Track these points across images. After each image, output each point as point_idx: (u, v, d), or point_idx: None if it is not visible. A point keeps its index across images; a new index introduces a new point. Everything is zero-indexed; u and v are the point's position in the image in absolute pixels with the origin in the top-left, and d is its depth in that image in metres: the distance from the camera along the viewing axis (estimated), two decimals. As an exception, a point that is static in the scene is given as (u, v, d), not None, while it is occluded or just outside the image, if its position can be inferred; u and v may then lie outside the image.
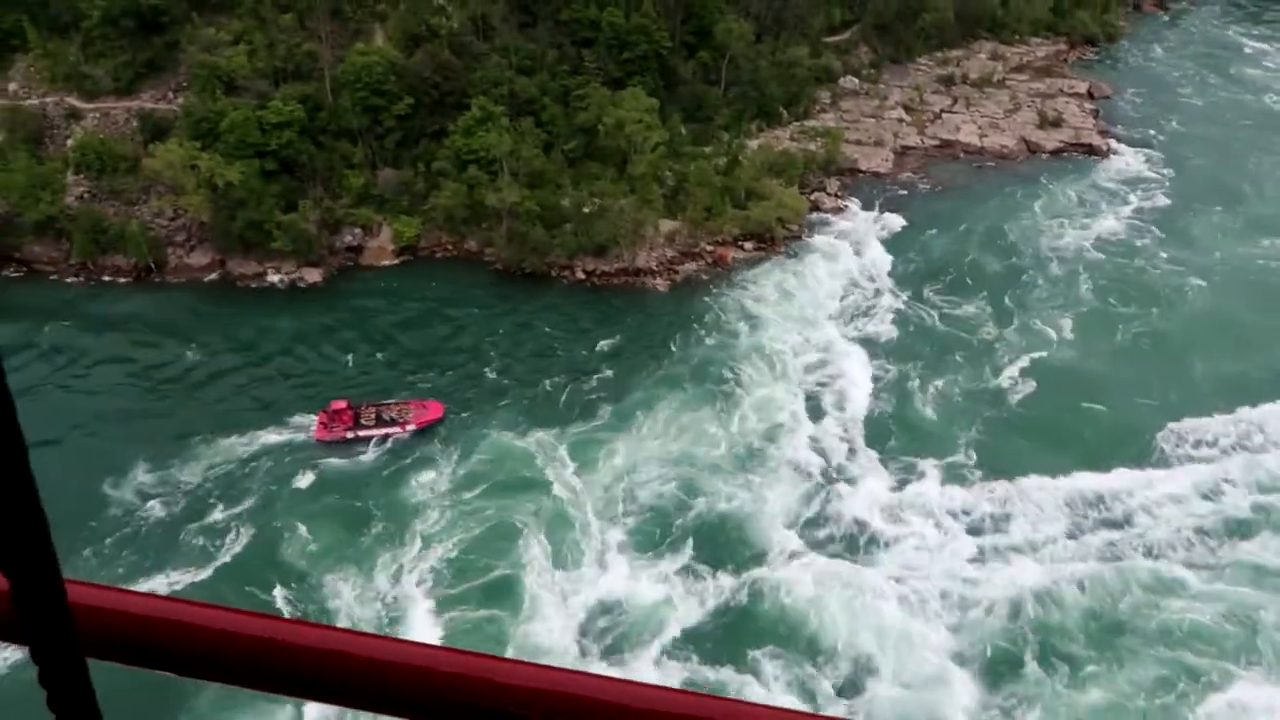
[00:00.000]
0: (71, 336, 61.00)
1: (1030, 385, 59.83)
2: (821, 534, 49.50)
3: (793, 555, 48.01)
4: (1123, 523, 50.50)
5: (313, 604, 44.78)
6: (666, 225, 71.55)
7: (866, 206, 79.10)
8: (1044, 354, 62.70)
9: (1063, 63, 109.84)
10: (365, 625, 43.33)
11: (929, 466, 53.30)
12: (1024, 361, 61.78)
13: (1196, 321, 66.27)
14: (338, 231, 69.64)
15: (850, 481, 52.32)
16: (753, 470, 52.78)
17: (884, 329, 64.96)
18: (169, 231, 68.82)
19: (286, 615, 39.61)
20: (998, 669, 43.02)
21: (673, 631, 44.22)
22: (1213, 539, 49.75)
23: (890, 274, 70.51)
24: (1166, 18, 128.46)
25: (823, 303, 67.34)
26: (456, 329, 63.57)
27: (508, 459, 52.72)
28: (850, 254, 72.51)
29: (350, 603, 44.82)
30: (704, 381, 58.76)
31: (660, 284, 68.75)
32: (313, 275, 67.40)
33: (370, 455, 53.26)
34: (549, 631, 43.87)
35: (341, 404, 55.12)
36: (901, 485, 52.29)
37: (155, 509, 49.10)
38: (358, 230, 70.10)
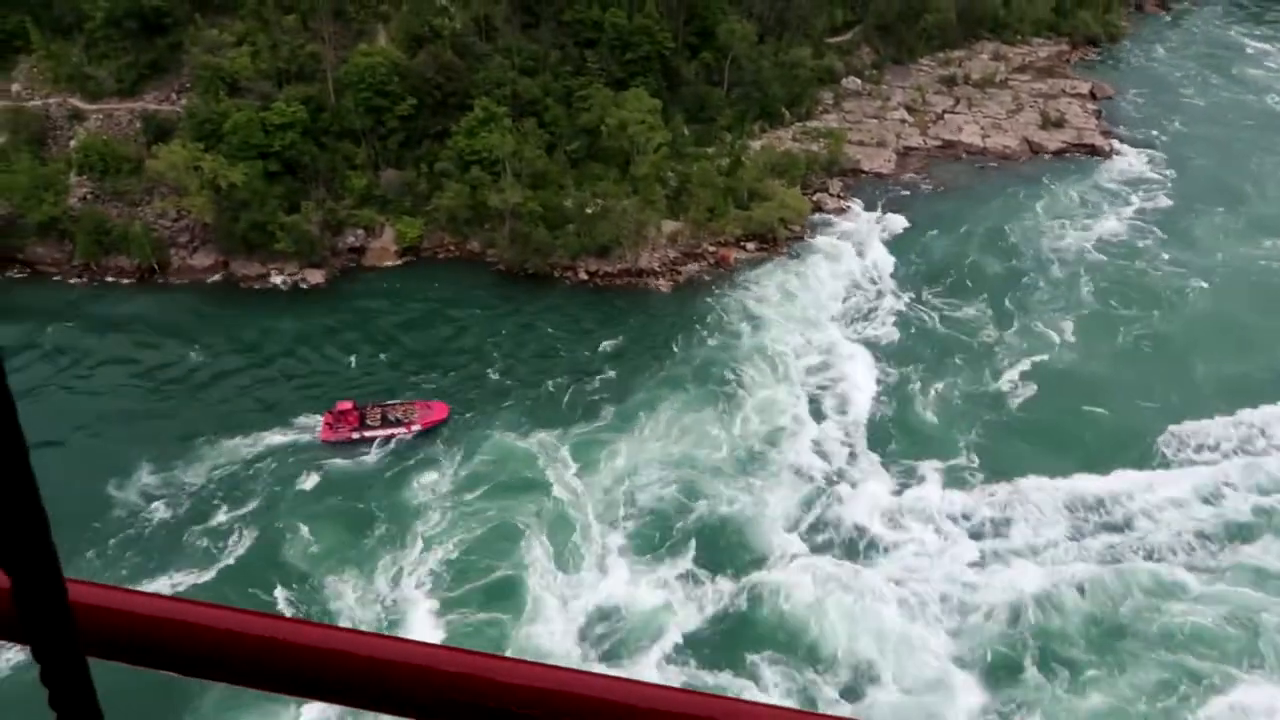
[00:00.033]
0: (75, 337, 61.10)
1: (1031, 388, 59.79)
2: (822, 538, 49.52)
3: (793, 559, 48.06)
4: (1123, 526, 50.52)
5: (315, 605, 44.92)
6: (669, 226, 71.56)
7: (869, 207, 79.08)
8: (1045, 356, 62.65)
9: (1065, 63, 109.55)
10: (367, 626, 43.37)
11: (930, 470, 53.32)
12: (1025, 364, 61.74)
13: (1198, 323, 66.19)
14: (340, 232, 69.70)
15: (851, 485, 52.30)
16: (754, 473, 52.81)
17: (886, 330, 64.95)
18: (172, 233, 68.92)
19: (288, 616, 39.67)
20: (998, 673, 43.08)
21: (673, 635, 44.28)
22: (1214, 542, 49.76)
23: (892, 275, 70.50)
24: (1168, 18, 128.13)
25: (825, 304, 67.33)
26: (459, 330, 63.63)
27: (510, 460, 52.83)
28: (852, 255, 72.48)
29: (352, 604, 44.98)
30: (706, 383, 58.81)
31: (663, 285, 68.79)
32: (315, 276, 67.49)
33: (373, 456, 53.36)
34: (550, 634, 43.95)
35: (347, 404, 55.14)
36: (902, 489, 52.28)
37: (159, 510, 49.26)
38: (360, 231, 70.17)
